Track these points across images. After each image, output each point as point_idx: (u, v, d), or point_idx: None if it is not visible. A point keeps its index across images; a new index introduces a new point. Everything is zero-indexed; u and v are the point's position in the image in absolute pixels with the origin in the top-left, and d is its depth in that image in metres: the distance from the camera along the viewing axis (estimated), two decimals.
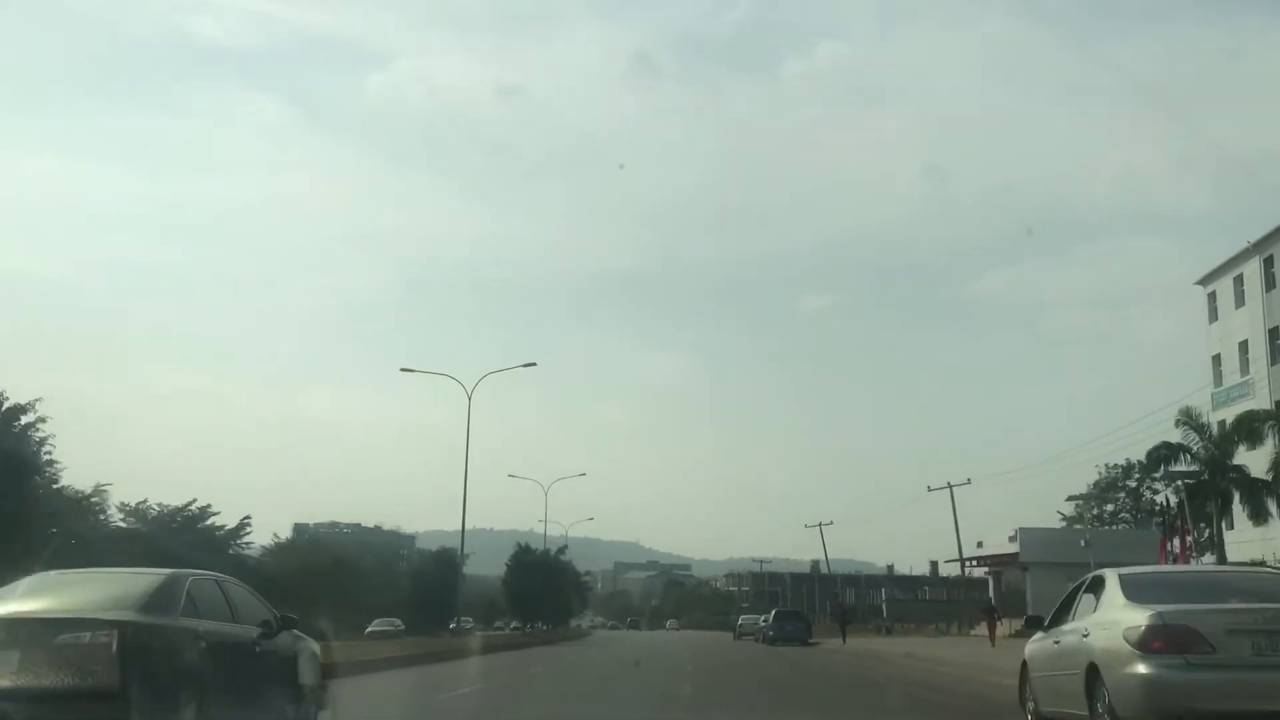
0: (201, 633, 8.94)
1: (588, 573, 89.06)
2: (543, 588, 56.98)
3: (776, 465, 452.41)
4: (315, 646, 11.58)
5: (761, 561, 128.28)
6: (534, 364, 41.21)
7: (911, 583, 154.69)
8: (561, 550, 62.89)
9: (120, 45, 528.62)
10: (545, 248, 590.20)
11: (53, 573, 10.17)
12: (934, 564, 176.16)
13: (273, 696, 10.20)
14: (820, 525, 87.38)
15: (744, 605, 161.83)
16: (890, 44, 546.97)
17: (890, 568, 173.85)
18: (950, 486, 60.18)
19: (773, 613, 52.30)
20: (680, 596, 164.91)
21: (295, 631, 11.00)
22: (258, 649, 9.96)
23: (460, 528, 48.64)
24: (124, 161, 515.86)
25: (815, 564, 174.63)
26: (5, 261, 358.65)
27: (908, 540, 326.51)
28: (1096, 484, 79.85)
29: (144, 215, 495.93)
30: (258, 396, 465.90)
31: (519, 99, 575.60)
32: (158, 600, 8.72)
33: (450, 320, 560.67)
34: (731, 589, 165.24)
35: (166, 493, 63.63)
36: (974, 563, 58.76)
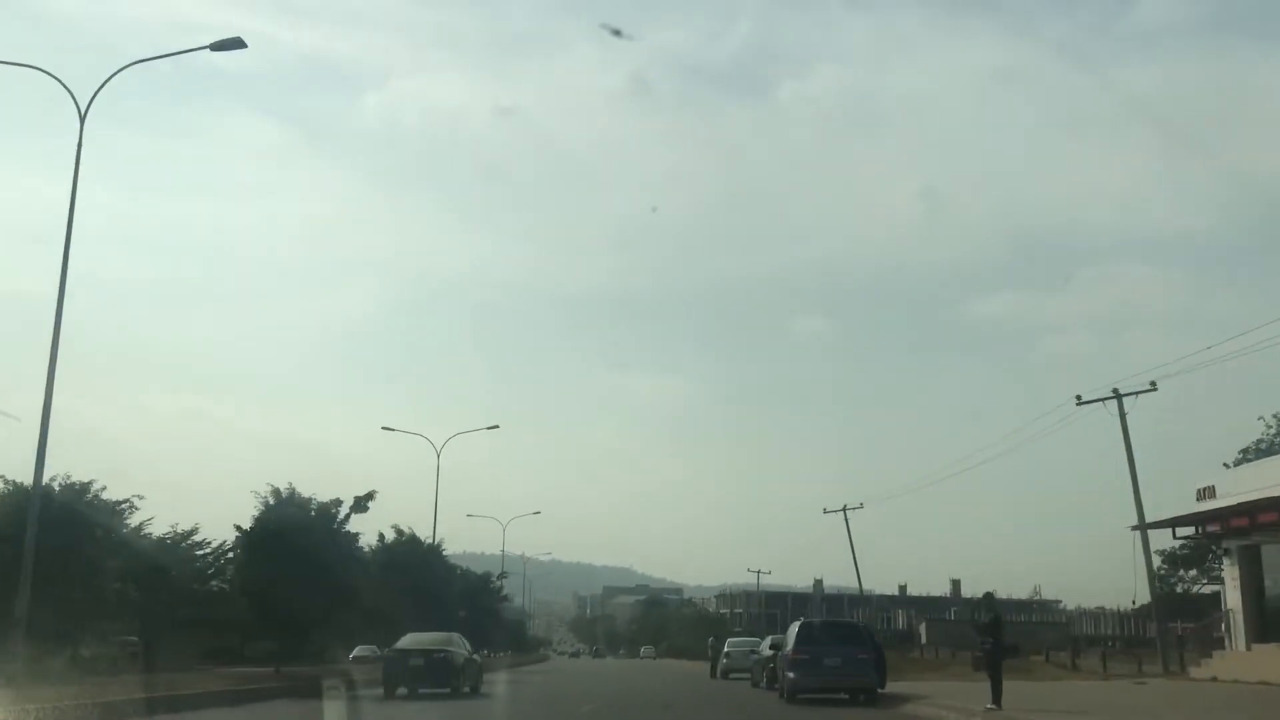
0: (464, 653, 26.61)
1: (502, 574, 59.17)
2: (312, 579, 25.37)
3: (771, 489, 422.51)
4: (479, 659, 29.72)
5: (760, 572, 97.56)
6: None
7: (934, 604, 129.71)
8: (361, 506, 29.71)
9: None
10: (539, 268, 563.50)
11: (415, 633, 26.81)
12: (956, 582, 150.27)
13: (475, 680, 26.92)
14: (845, 509, 58.09)
15: (737, 629, 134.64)
16: (887, 68, 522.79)
17: (904, 588, 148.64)
18: (1118, 395, 30.83)
19: (795, 628, 22.82)
20: (662, 619, 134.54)
21: (479, 654, 31.52)
22: (472, 659, 27.43)
23: None
24: (119, 181, 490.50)
25: (818, 583, 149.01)
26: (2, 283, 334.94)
27: (913, 563, 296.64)
28: (1248, 449, 53.17)
29: (139, 235, 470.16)
30: (252, 416, 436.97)
31: (516, 120, 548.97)
32: (455, 642, 26.61)
33: (443, 340, 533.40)
34: (723, 611, 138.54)
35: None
36: (1198, 532, 28.27)
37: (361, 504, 29.13)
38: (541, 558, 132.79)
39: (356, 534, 30.31)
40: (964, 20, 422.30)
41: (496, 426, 51.38)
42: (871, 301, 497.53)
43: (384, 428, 50.14)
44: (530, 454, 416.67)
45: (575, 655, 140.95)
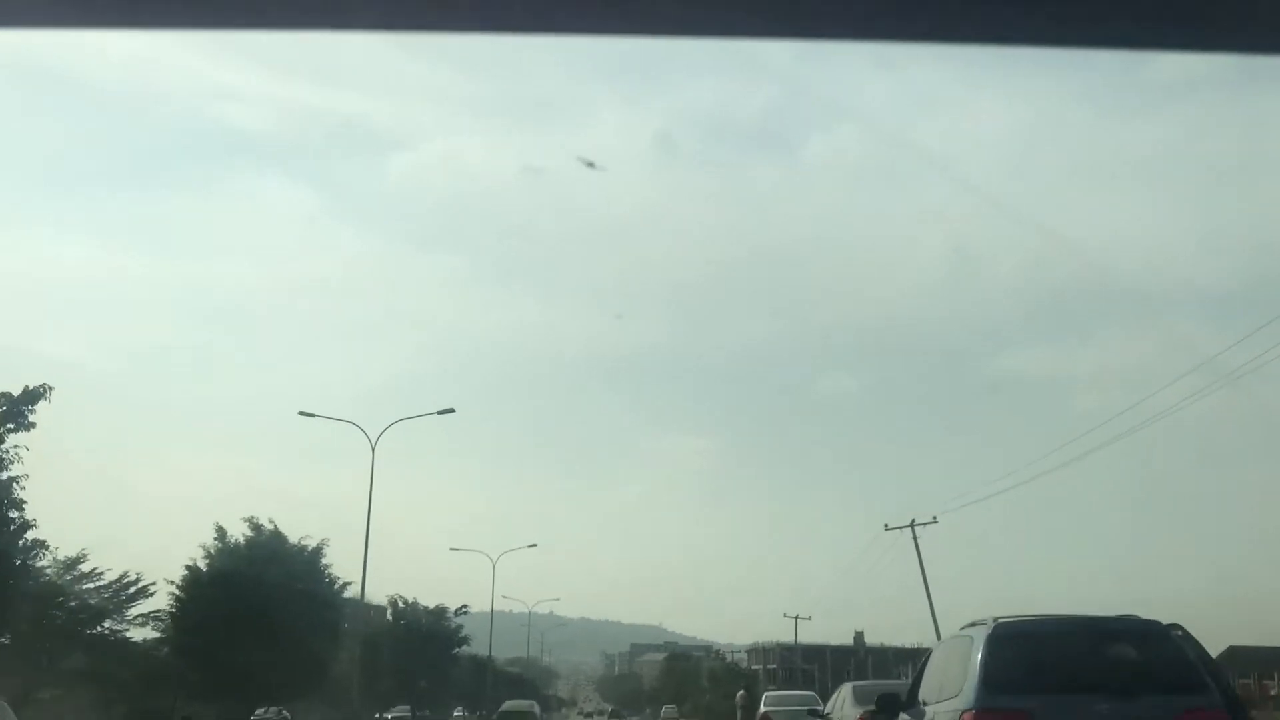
0: (539, 714, 45.04)
1: (460, 609, 44.26)
2: None
3: (801, 547, 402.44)
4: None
5: (798, 618, 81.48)
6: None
7: None
8: (18, 413, 15.89)
9: (149, 132, 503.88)
10: (566, 328, 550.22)
11: (512, 700, 43.58)
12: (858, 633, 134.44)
13: None
14: (913, 525, 43.34)
15: (770, 687, 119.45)
16: (912, 125, 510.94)
17: None
18: None
19: (979, 640, 7.13)
20: (686, 676, 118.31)
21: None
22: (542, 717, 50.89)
23: None
24: (151, 246, 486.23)
25: (859, 636, 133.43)
26: (36, 347, 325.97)
27: (956, 610, 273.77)
28: None
29: (170, 299, 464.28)
30: (283, 477, 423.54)
31: (543, 180, 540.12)
32: (536, 707, 46.13)
33: (472, 401, 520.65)
34: (755, 667, 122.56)
35: None
36: None
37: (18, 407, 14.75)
38: (547, 607, 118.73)
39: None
40: (987, 76, 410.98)
41: (451, 410, 37.63)
42: (900, 358, 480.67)
43: (302, 413, 36.58)
44: (559, 514, 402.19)
45: (588, 717, 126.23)
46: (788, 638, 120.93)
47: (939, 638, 45.42)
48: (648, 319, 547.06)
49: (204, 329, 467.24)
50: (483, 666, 66.26)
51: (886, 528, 43.88)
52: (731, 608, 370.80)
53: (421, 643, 40.47)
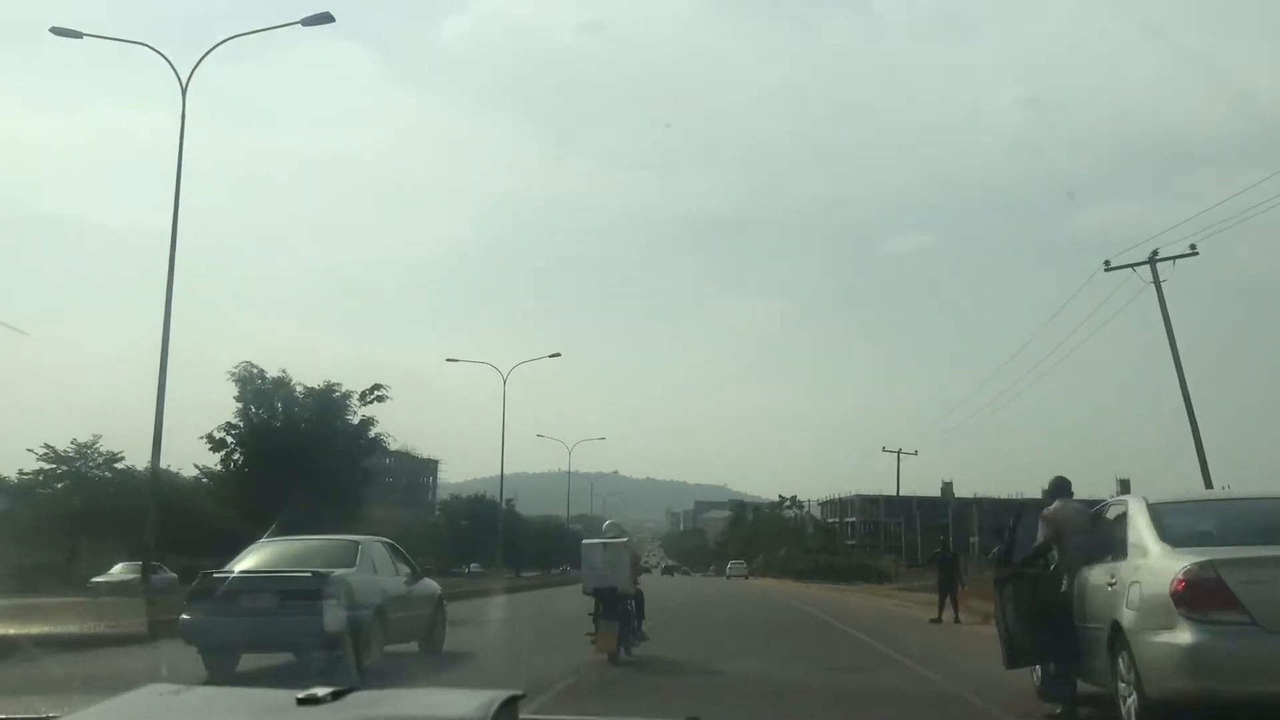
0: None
1: (376, 390, 26.60)
2: None
3: (869, 407, 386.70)
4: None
5: (900, 452, 64.43)
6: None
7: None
8: None
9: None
10: (632, 191, 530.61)
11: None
12: (1124, 482, 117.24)
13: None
14: (1153, 259, 24.21)
15: (850, 543, 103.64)
16: None
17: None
18: None
19: None
20: (757, 528, 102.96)
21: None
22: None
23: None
24: (207, 113, 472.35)
25: (948, 486, 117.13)
26: (93, 217, 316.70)
27: (1047, 464, 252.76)
28: None
29: (227, 166, 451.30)
30: (347, 345, 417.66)
31: (602, 35, 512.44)
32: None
33: (539, 267, 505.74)
34: (831, 520, 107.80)
35: None
36: None
37: None
38: (613, 467, 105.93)
39: None
40: None
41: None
42: (973, 215, 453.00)
43: (55, 29, 19.59)
44: (627, 376, 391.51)
45: (647, 570, 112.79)
46: (866, 489, 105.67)
47: (1196, 434, 26.83)
48: (712, 178, 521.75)
49: (261, 195, 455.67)
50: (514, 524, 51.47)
51: (1107, 266, 25.42)
52: (799, 466, 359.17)
53: (294, 446, 23.48)
